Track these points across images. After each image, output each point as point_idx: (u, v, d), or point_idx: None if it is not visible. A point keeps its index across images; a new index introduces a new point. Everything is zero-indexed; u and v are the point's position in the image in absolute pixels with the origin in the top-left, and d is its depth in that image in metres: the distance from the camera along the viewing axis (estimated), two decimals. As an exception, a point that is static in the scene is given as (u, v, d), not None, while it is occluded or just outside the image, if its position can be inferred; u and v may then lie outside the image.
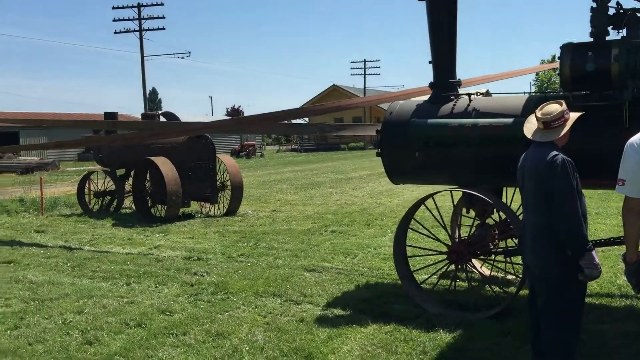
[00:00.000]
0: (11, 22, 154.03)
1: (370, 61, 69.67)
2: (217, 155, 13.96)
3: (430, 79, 6.53)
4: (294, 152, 57.74)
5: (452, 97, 6.36)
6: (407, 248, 6.36)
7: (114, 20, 47.47)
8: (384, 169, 6.69)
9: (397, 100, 6.92)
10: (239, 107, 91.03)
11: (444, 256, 6.11)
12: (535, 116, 4.17)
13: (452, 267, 6.05)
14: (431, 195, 5.99)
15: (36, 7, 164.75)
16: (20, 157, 36.76)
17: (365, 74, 68.86)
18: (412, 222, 6.36)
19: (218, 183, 13.89)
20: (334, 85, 67.64)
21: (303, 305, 6.27)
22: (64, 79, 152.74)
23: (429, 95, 6.60)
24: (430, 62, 6.53)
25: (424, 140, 6.04)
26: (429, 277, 6.60)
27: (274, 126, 12.99)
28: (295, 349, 5.00)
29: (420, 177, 6.68)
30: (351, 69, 72.98)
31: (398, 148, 6.40)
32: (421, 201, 6.12)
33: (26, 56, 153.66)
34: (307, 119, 39.59)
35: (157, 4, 46.47)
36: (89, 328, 5.67)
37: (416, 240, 8.05)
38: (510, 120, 5.54)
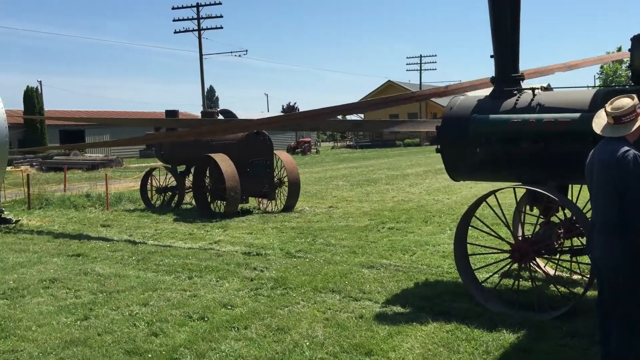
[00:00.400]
0: (83, 25, 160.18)
1: (427, 56, 68.90)
2: (275, 151, 14.12)
3: (490, 73, 6.40)
4: (349, 149, 57.70)
5: (515, 91, 6.22)
6: (468, 246, 6.26)
7: (174, 20, 48.69)
8: (443, 165, 6.61)
9: (455, 96, 6.82)
10: (295, 104, 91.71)
11: (506, 255, 5.98)
12: (605, 111, 4.03)
13: (515, 265, 5.91)
14: (493, 192, 5.87)
15: (105, 10, 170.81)
16: (85, 154, 38.21)
17: (421, 70, 68.08)
18: (473, 219, 6.24)
19: (275, 179, 14.05)
20: (389, 81, 67.20)
21: (362, 302, 6.26)
22: (127, 79, 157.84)
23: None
24: (491, 56, 6.40)
25: (485, 136, 5.93)
26: (491, 275, 6.48)
27: (330, 122, 13.04)
28: (355, 346, 5.01)
29: (481, 173, 6.55)
30: (407, 64, 72.19)
31: (458, 144, 6.31)
32: (483, 198, 6.00)
33: (93, 57, 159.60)
34: (362, 115, 39.46)
35: (215, 4, 47.32)
36: (154, 320, 5.85)
37: (476, 238, 7.91)
38: (577, 115, 5.37)
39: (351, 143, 63.66)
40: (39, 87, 46.72)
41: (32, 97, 43.46)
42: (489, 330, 5.21)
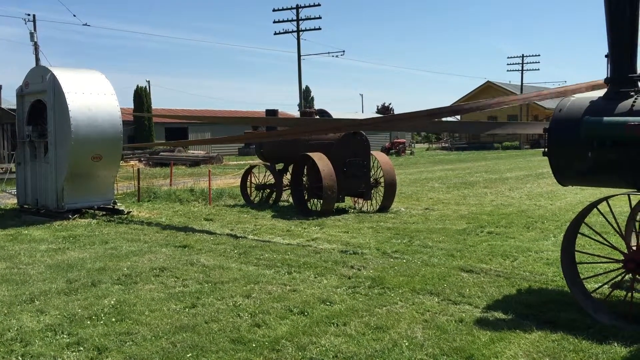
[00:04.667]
0: (189, 27, 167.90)
1: (529, 56, 66.19)
2: (371, 152, 14.16)
3: (601, 73, 6.10)
4: (444, 151, 56.68)
5: (632, 92, 5.89)
6: (576, 254, 6.00)
7: (274, 22, 49.90)
8: (550, 169, 6.37)
9: (566, 97, 6.55)
10: (389, 104, 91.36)
11: (618, 264, 5.68)
12: None
13: (628, 276, 5.60)
14: (606, 199, 5.59)
15: (209, 13, 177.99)
16: (188, 151, 40.02)
17: (522, 70, 65.56)
18: (582, 226, 5.97)
19: (372, 179, 14.09)
20: (488, 81, 65.36)
21: (461, 306, 6.17)
22: (228, 79, 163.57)
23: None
24: (606, 56, 6.10)
25: (598, 139, 5.65)
26: (601, 286, 6.18)
27: (430, 124, 12.90)
28: (455, 349, 4.95)
29: (592, 179, 6.25)
30: (507, 64, 69.58)
31: (568, 147, 6.05)
32: (594, 204, 5.73)
33: (197, 58, 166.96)
34: (458, 117, 38.67)
35: (314, 5, 48.02)
36: (257, 312, 6.06)
37: (582, 246, 7.57)
38: None
39: (446, 145, 62.48)
40: (148, 87, 49.43)
41: (141, 96, 46.16)
42: (598, 343, 4.98)
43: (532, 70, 77.86)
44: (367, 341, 5.21)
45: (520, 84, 65.30)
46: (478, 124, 15.64)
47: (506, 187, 18.85)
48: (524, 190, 17.95)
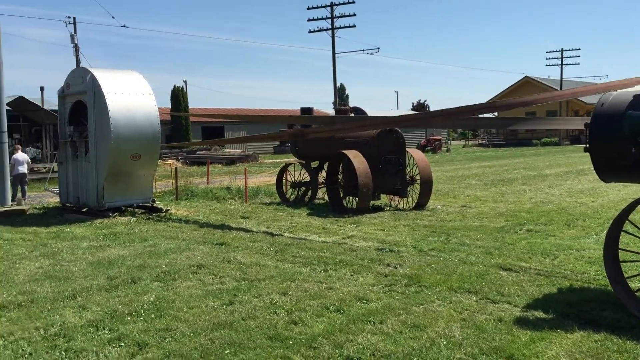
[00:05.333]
0: (225, 27, 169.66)
1: (569, 50, 64.67)
2: (407, 149, 14.06)
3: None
4: (481, 147, 55.91)
5: (680, 86, 5.69)
6: (620, 252, 5.84)
7: (309, 20, 49.92)
8: (590, 165, 6.21)
9: (609, 91, 6.37)
10: (425, 101, 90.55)
11: (665, 263, 5.50)
12: None
13: (675, 275, 5.42)
14: (651, 195, 5.42)
15: (245, 13, 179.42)
16: (224, 150, 40.42)
17: (562, 64, 64.10)
18: (625, 223, 5.81)
19: (407, 177, 13.99)
20: (526, 77, 64.18)
21: (500, 305, 6.07)
22: (263, 77, 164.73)
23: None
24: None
25: (643, 134, 5.48)
26: (646, 285, 6.00)
27: (467, 120, 12.74)
28: (495, 349, 4.87)
29: (636, 175, 6.06)
30: (546, 59, 68.06)
31: (611, 143, 5.89)
32: (638, 201, 5.57)
33: (232, 57, 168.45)
34: (496, 114, 38.03)
35: (348, 2, 47.87)
36: (293, 309, 6.08)
37: (626, 244, 7.36)
38: None
39: (483, 141, 61.60)
40: (184, 87, 50.09)
41: (178, 96, 46.80)
42: (644, 344, 4.84)
43: (572, 64, 76.05)
44: (405, 339, 5.17)
45: (559, 78, 63.89)
46: (516, 120, 15.36)
47: (545, 184, 18.48)
48: (564, 187, 17.57)
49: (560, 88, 55.02)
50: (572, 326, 5.30)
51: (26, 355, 5.02)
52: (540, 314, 5.70)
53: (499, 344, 4.96)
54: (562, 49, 64.45)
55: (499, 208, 13.23)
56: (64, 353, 5.05)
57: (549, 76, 67.35)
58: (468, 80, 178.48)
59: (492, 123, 26.91)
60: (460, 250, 8.78)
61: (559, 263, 7.80)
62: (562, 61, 64.31)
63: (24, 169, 16.85)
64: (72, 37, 39.39)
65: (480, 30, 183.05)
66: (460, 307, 6.03)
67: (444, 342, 5.05)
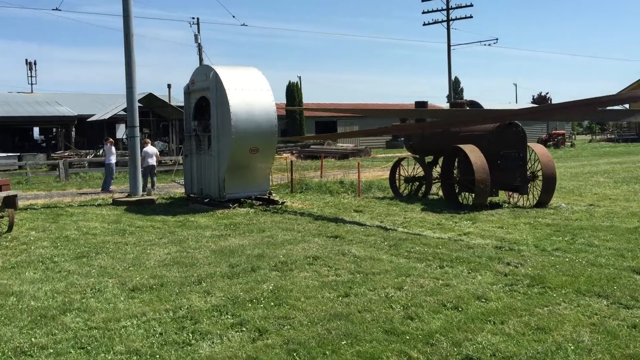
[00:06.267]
0: (338, 23, 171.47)
1: None
2: (528, 143, 13.42)
3: None
4: (609, 142, 52.18)
5: None
6: None
7: (423, 12, 49.13)
8: None
9: None
10: (547, 94, 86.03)
11: None
12: None
13: None
14: None
15: (358, 9, 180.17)
16: (337, 144, 40.84)
17: None
18: None
19: (528, 173, 13.36)
20: (662, 65, 58.98)
21: (634, 310, 5.63)
22: (376, 72, 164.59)
23: None
24: None
25: None
26: None
27: (591, 113, 11.98)
28: (629, 356, 4.53)
29: None
30: (685, 45, 61.71)
31: None
32: None
33: (345, 53, 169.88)
34: (627, 106, 35.38)
35: (465, -7, 46.53)
36: (409, 304, 6.02)
37: None
38: None
39: (612, 136, 57.47)
40: (299, 82, 51.15)
41: (293, 91, 47.88)
42: None
43: None
44: (528, 342, 4.94)
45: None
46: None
47: (685, 183, 16.91)
48: None
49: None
50: None
51: (157, 335, 5.36)
52: (681, 323, 5.22)
53: (634, 352, 4.61)
54: None
55: (632, 207, 12.28)
56: (191, 335, 5.34)
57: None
58: (594, 71, 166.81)
59: (623, 116, 25.02)
60: (588, 251, 8.25)
61: (703, 269, 7.10)
62: None
63: (153, 161, 18.06)
64: (195, 36, 41.61)
65: (607, 15, 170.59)
66: (589, 311, 5.66)
67: (572, 347, 4.77)
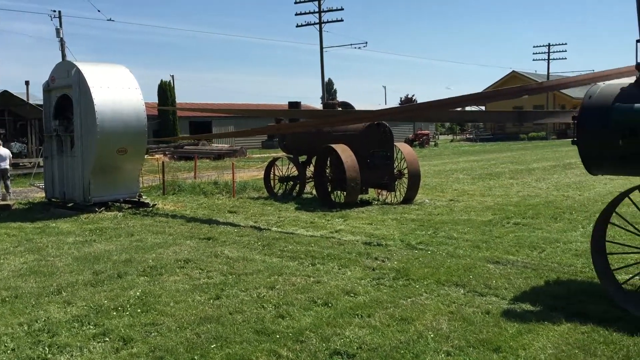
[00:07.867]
0: (212, 22, 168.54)
1: (556, 45, 64.97)
2: (395, 143, 14.04)
3: (630, 62, 5.91)
4: (468, 142, 56.09)
5: (666, 79, 5.70)
6: (607, 245, 5.86)
7: (296, 14, 49.70)
8: (579, 158, 6.22)
9: (596, 83, 6.37)
10: (412, 96, 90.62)
11: (651, 255, 5.53)
12: None
13: (661, 267, 5.45)
14: (638, 188, 5.44)
15: (232, 8, 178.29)
16: (212, 145, 40.21)
17: (549, 59, 64.40)
18: (612, 216, 5.82)
19: (395, 171, 13.98)
20: (513, 71, 64.36)
21: (488, 297, 6.08)
22: (250, 72, 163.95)
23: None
24: (637, 41, 5.91)
25: (630, 127, 5.49)
26: (632, 277, 6.02)
27: (454, 113, 12.74)
28: (482, 341, 4.87)
29: (623, 167, 6.07)
30: (533, 54, 67.70)
31: (598, 135, 5.89)
32: (625, 194, 5.59)
33: (219, 52, 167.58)
34: (483, 107, 38.13)
35: (336, -3, 47.71)
36: (280, 303, 6.05)
37: (613, 237, 7.38)
38: None
39: (471, 136, 61.82)
40: (172, 81, 49.69)
41: (165, 90, 46.43)
42: (629, 334, 4.86)
43: (559, 59, 76.17)
44: (392, 332, 5.15)
45: (546, 73, 64.20)
46: (505, 113, 15.38)
47: (533, 178, 18.57)
48: (551, 180, 17.66)
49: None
50: (559, 318, 5.31)
51: (8, 351, 4.94)
52: (527, 307, 5.71)
53: (486, 337, 4.96)
54: (549, 43, 64.80)
55: (487, 202, 13.27)
56: (47, 349, 4.98)
57: (535, 71, 67.60)
58: (457, 75, 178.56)
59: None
60: (448, 243, 8.78)
61: (546, 256, 7.82)
62: (549, 56, 64.64)
63: (5, 164, 16.61)
64: (57, 31, 38.96)
65: (469, 25, 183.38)
66: (447, 300, 6.02)
67: (432, 335, 5.04)
